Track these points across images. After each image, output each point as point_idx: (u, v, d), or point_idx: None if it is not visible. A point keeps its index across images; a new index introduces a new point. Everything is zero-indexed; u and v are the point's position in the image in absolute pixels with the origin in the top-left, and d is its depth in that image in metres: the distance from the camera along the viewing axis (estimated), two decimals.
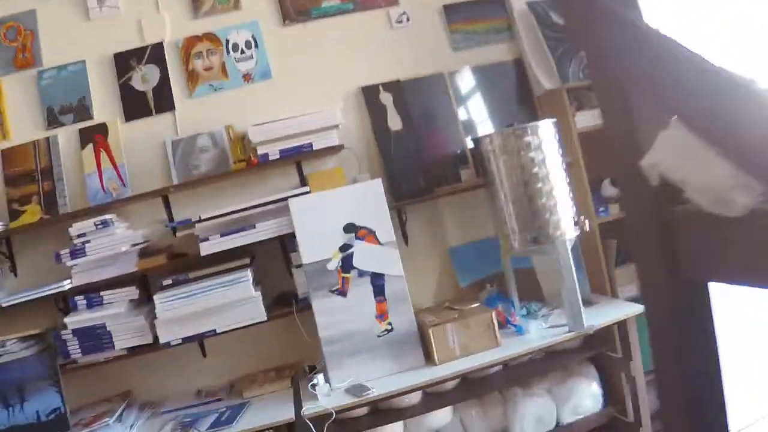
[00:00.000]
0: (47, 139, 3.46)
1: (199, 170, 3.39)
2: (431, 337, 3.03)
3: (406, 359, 3.06)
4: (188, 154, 3.41)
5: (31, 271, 3.43)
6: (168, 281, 3.09)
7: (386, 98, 3.60)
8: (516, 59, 3.83)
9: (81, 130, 3.46)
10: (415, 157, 3.55)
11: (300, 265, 3.10)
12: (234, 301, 3.02)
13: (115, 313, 3.04)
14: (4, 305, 3.17)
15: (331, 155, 3.47)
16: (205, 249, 3.06)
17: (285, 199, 3.10)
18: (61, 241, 3.19)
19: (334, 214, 3.08)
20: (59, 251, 3.13)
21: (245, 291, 3.02)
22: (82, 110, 3.48)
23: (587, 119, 3.56)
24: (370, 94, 3.60)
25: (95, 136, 3.44)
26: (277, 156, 3.24)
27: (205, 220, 3.08)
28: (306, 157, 3.36)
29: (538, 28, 3.78)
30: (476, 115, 3.73)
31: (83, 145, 3.44)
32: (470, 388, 3.25)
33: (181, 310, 2.99)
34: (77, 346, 3.07)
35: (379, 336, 3.05)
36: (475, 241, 3.65)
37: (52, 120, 3.48)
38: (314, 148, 3.26)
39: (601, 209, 3.55)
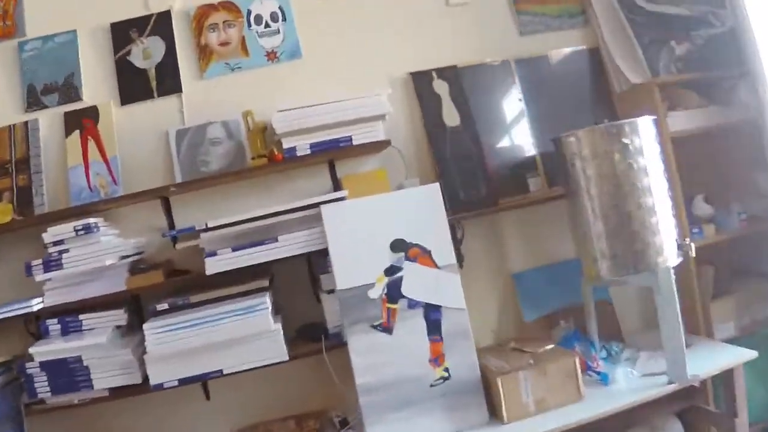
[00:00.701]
0: (26, 123, 2.83)
1: (208, 167, 2.73)
2: (499, 388, 2.35)
3: (466, 416, 2.38)
4: (196, 147, 2.75)
5: (4, 283, 2.77)
6: (163, 305, 2.42)
7: (441, 87, 2.94)
8: (591, 48, 3.17)
9: (67, 114, 2.82)
10: (475, 159, 2.88)
11: (332, 291, 2.43)
12: (247, 336, 2.35)
13: (95, 344, 2.37)
14: None
15: (372, 154, 2.81)
16: (212, 266, 2.39)
17: (316, 205, 2.44)
18: (38, 249, 2.54)
19: (379, 227, 2.42)
20: (30, 262, 2.48)
21: (262, 323, 2.35)
22: (70, 90, 2.84)
23: (681, 121, 2.91)
24: (421, 81, 2.94)
25: (83, 122, 2.80)
26: (308, 151, 2.57)
27: (212, 228, 2.41)
28: (341, 155, 2.71)
29: (621, 12, 3.11)
30: (545, 112, 3.06)
31: (68, 132, 2.80)
32: None
33: (178, 344, 2.32)
34: (45, 383, 2.41)
35: (432, 385, 2.37)
36: (544, 265, 2.98)
37: (33, 101, 2.85)
38: (354, 143, 2.60)
39: (695, 230, 2.88)
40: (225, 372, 2.37)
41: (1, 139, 2.83)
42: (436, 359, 2.38)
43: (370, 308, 2.36)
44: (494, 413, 2.41)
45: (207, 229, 2.41)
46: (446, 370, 2.38)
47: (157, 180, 2.70)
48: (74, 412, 2.53)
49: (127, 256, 2.52)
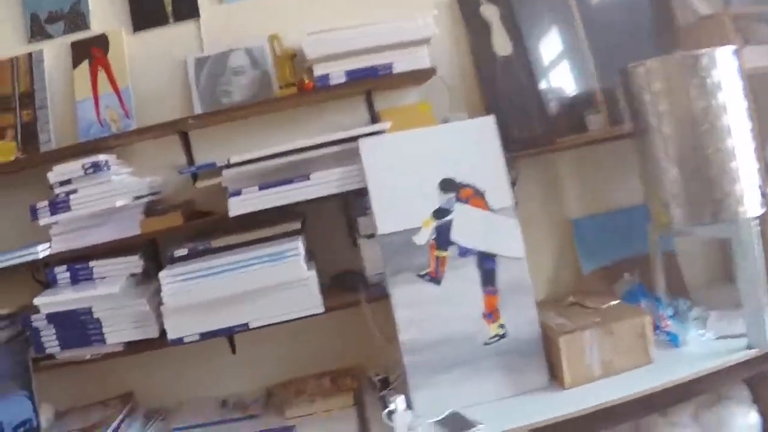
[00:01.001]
0: (29, 55, 2.54)
1: (231, 98, 2.43)
2: (562, 348, 2.06)
3: (524, 379, 2.10)
4: (217, 76, 2.45)
5: (7, 229, 2.54)
6: (182, 251, 2.15)
7: (490, 11, 2.59)
8: None
9: (74, 44, 2.53)
10: (528, 93, 2.56)
11: (372, 236, 2.15)
12: (277, 285, 2.07)
13: (107, 294, 2.11)
14: None
15: (415, 85, 2.49)
16: (236, 207, 2.11)
17: (354, 139, 2.14)
18: (45, 191, 2.28)
19: (426, 164, 2.12)
20: (36, 204, 2.22)
21: (294, 270, 2.07)
22: (76, 17, 2.55)
23: (757, 57, 2.55)
24: (468, 4, 2.60)
25: (92, 51, 2.51)
26: (343, 79, 2.26)
27: (236, 165, 2.13)
28: (380, 85, 2.39)
29: None
30: (605, 43, 2.71)
31: (76, 63, 2.52)
32: (598, 416, 2.27)
33: (198, 295, 2.05)
34: (54, 337, 2.17)
35: (486, 344, 2.09)
36: (604, 212, 2.66)
37: (37, 30, 2.56)
38: (395, 71, 2.28)
39: None
40: (252, 326, 2.10)
41: (3, 72, 2.56)
42: (491, 314, 2.09)
43: (415, 256, 2.07)
44: (554, 376, 2.13)
45: (230, 166, 2.12)
46: (502, 326, 2.09)
47: (173, 113, 2.40)
48: (86, 367, 2.28)
49: (142, 197, 2.25)
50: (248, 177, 2.15)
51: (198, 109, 2.41)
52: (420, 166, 2.11)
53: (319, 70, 2.26)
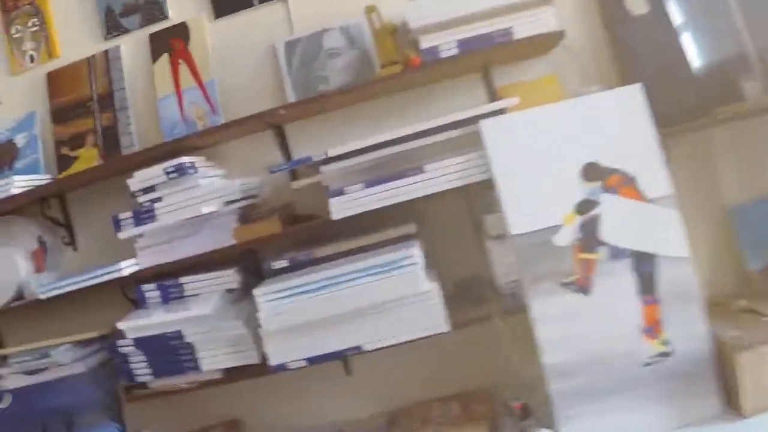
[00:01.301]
0: (105, 53, 2.34)
1: (327, 84, 2.14)
2: (739, 368, 1.66)
3: (693, 406, 1.71)
4: (310, 60, 2.16)
5: (95, 242, 2.36)
6: (281, 263, 1.88)
7: None
8: None
9: (152, 36, 2.31)
10: (672, 58, 2.14)
11: (502, 236, 1.81)
12: (392, 300, 1.76)
13: (198, 315, 1.86)
14: (42, 297, 2.08)
15: (537, 56, 2.13)
16: (339, 209, 1.82)
17: (474, 120, 1.80)
18: (131, 200, 2.07)
19: (562, 147, 1.75)
20: (119, 215, 2.00)
21: (412, 282, 1.75)
22: (153, 8, 2.33)
23: None
24: None
25: (171, 43, 2.28)
26: (454, 51, 1.92)
27: (335, 159, 1.83)
28: (498, 56, 2.04)
29: None
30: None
31: (155, 57, 2.29)
32: None
33: (301, 314, 1.77)
34: (144, 364, 1.94)
35: (647, 365, 1.71)
36: None
37: (113, 25, 2.36)
38: (515, 37, 1.93)
39: None
40: (365, 348, 1.80)
41: (80, 73, 2.37)
42: (651, 328, 1.71)
43: (557, 260, 1.71)
44: (730, 402, 1.72)
45: (329, 160, 1.83)
46: (665, 342, 1.71)
47: (264, 105, 2.11)
48: (182, 395, 2.06)
49: (234, 202, 1.98)
50: (351, 173, 1.85)
51: (292, 99, 2.12)
52: (556, 149, 1.75)
53: (426, 43, 1.93)
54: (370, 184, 1.80)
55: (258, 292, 1.76)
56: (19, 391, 2.18)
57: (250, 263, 2.09)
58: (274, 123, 2.08)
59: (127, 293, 2.18)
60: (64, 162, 2.35)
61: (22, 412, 2.17)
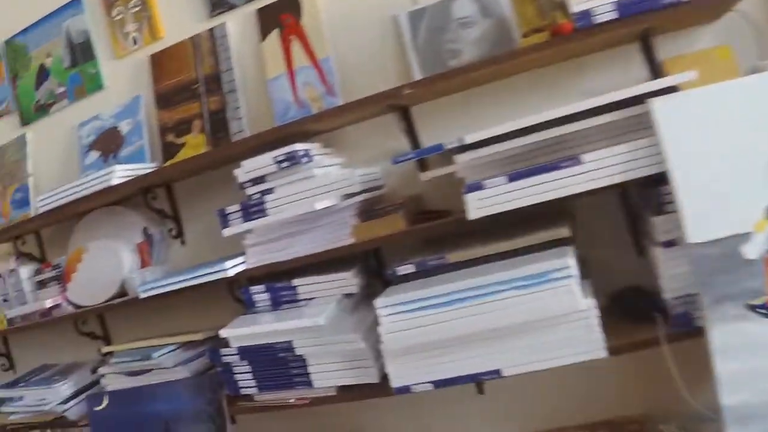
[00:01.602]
0: (211, 31, 2.15)
1: (459, 59, 1.84)
2: None
3: None
4: (438, 32, 1.87)
5: (204, 235, 2.20)
6: (406, 268, 1.61)
7: None
8: None
9: (260, 12, 2.09)
10: None
11: (671, 243, 1.46)
12: (541, 319, 1.45)
13: (309, 327, 1.62)
14: (142, 296, 1.92)
15: (705, 22, 1.75)
16: (477, 207, 1.51)
17: (637, 100, 1.46)
18: (240, 192, 1.87)
19: (752, 136, 1.38)
20: (226, 208, 1.80)
21: (565, 299, 1.42)
22: None
23: None
24: None
25: (282, 18, 2.04)
26: (612, 14, 1.57)
27: (472, 146, 1.54)
28: (661, 22, 1.67)
29: None
30: None
31: (264, 35, 2.07)
32: None
33: (431, 331, 1.48)
34: (249, 376, 1.73)
35: None
36: None
37: (218, 1, 2.16)
38: None
39: None
40: (505, 373, 1.49)
41: (184, 54, 2.19)
42: None
43: (744, 275, 1.34)
44: None
45: (464, 148, 1.54)
46: None
47: (388, 84, 1.84)
48: (292, 410, 1.84)
49: (354, 195, 1.73)
50: (491, 163, 1.56)
51: (418, 77, 1.84)
52: (744, 138, 1.38)
53: (578, 5, 1.60)
54: (515, 177, 1.49)
55: (380, 303, 1.49)
56: (119, 393, 2.04)
57: (371, 264, 1.83)
58: (398, 104, 1.81)
59: (236, 294, 2.00)
60: (169, 149, 2.19)
61: (120, 415, 2.02)
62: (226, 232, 1.77)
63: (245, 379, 1.72)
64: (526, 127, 1.52)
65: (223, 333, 1.69)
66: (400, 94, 1.67)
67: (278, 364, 1.67)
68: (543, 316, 1.42)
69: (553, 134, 1.51)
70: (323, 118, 1.78)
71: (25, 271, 2.49)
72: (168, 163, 2.14)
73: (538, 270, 1.43)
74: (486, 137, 1.53)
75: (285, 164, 1.72)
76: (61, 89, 2.47)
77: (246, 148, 1.85)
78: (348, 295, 1.74)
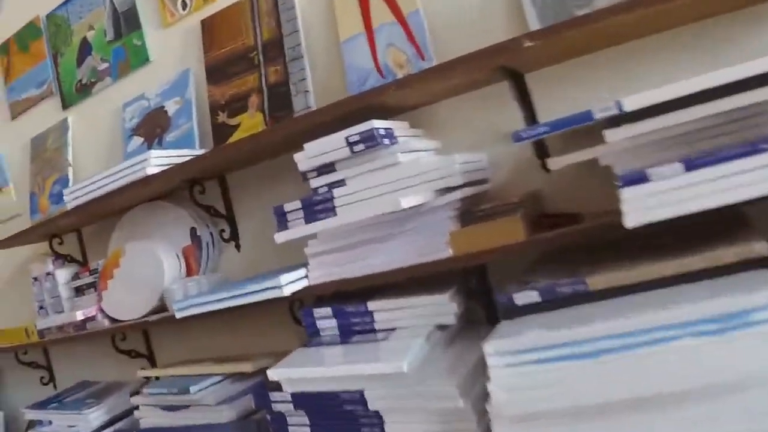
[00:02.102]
0: None
1: (591, 5, 1.34)
2: None
3: None
4: None
5: (263, 239, 1.79)
6: (528, 294, 1.12)
7: None
8: None
9: None
10: None
11: None
12: (735, 381, 0.93)
13: (390, 372, 1.16)
14: (179, 315, 1.52)
15: None
16: (641, 208, 1.00)
17: None
18: (304, 186, 1.44)
19: None
20: (283, 206, 1.37)
21: None
22: None
23: None
24: None
25: None
26: None
27: (632, 117, 1.04)
28: None
29: None
30: None
31: None
32: None
33: (568, 393, 0.98)
34: (308, 430, 1.29)
35: None
36: None
37: None
38: None
39: None
40: None
41: (240, 17, 1.80)
42: None
43: None
44: None
45: (622, 118, 1.05)
46: None
47: (494, 39, 1.36)
48: None
49: (452, 189, 1.27)
50: (657, 144, 1.06)
51: (535, 24, 1.36)
52: None
53: None
54: (695, 163, 0.99)
55: (491, 348, 1.01)
56: None
57: (474, 285, 1.36)
58: (511, 68, 1.33)
59: (296, 313, 1.58)
60: (221, 132, 1.79)
61: None
62: (280, 237, 1.34)
63: None
64: (709, 89, 1.02)
65: (273, 374, 1.25)
66: (518, 46, 1.19)
67: (344, 420, 1.21)
68: (739, 377, 0.92)
69: (749, 100, 1.01)
70: (411, 84, 1.30)
71: (63, 274, 2.16)
72: (213, 149, 1.74)
73: (734, 307, 0.92)
74: (657, 101, 1.03)
75: (360, 147, 1.27)
76: (104, 65, 2.12)
77: (311, 126, 1.42)
78: (441, 327, 1.27)
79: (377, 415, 1.19)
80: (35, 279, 2.21)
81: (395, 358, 1.15)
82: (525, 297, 1.10)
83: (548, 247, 1.23)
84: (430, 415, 1.15)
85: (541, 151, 1.34)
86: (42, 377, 2.46)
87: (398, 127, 1.35)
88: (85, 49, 2.18)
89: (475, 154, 1.36)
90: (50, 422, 2.04)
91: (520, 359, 1.01)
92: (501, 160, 1.42)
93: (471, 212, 1.25)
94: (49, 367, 2.48)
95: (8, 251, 2.42)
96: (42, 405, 2.12)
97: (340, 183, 1.33)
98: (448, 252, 1.22)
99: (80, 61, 2.19)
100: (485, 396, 1.05)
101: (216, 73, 1.81)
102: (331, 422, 1.23)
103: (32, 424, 2.14)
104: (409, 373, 1.14)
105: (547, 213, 1.31)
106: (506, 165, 1.42)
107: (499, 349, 1.02)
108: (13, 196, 2.49)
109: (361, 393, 1.18)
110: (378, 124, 1.29)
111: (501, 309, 1.13)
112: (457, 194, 1.24)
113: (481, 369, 1.11)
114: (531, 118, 1.36)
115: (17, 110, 2.43)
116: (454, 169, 1.23)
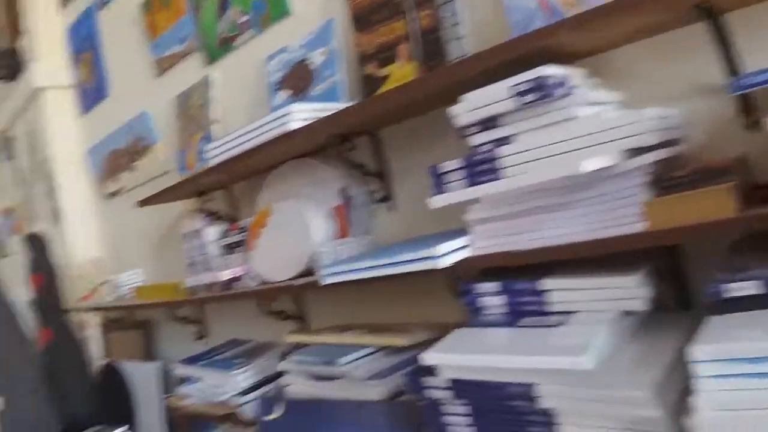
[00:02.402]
0: None
1: None
2: None
3: None
4: None
5: (420, 200, 1.63)
6: (743, 285, 0.89)
7: None
8: None
9: None
10: None
11: None
12: None
13: (568, 368, 0.99)
14: (323, 282, 1.43)
15: None
16: None
17: None
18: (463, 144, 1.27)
19: None
20: (440, 166, 1.21)
21: None
22: None
23: None
24: None
25: None
26: None
27: None
28: None
29: None
30: None
31: None
32: None
33: None
34: (466, 420, 1.14)
35: None
36: None
37: None
38: None
39: None
40: None
41: None
42: None
43: None
44: None
45: None
46: None
47: None
48: None
49: (643, 150, 1.04)
50: None
51: None
52: None
53: None
54: None
55: (701, 352, 0.81)
56: (295, 405, 1.59)
57: (667, 266, 1.14)
58: (707, 6, 1.07)
59: (455, 287, 1.42)
60: (370, 84, 1.65)
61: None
62: (436, 201, 1.18)
63: (458, 425, 1.14)
64: None
65: (427, 358, 1.12)
66: None
67: (509, 415, 1.06)
68: None
69: None
70: (591, 22, 1.08)
71: (211, 232, 2.13)
72: (357, 103, 1.60)
73: None
74: None
75: (529, 98, 1.08)
76: (244, 18, 2.05)
77: (469, 75, 1.23)
78: (629, 314, 1.07)
79: (548, 414, 1.02)
80: (185, 236, 2.21)
81: (575, 351, 0.97)
82: (740, 288, 0.88)
83: (762, 226, 0.98)
84: (613, 421, 0.96)
85: (747, 107, 1.08)
86: (195, 332, 2.50)
87: (573, 74, 1.14)
88: (225, 1, 2.11)
89: (669, 109, 1.12)
90: (199, 380, 2.05)
91: (741, 370, 0.80)
92: (694, 117, 1.17)
93: (664, 179, 1.02)
94: (203, 322, 2.51)
95: (163, 208, 2.44)
96: (192, 360, 2.14)
97: (506, 140, 1.15)
98: (641, 226, 1.01)
99: (220, 14, 2.13)
100: (681, 404, 0.85)
101: (362, 19, 1.66)
102: (494, 416, 1.08)
103: (182, 380, 2.17)
104: (590, 375, 0.96)
105: (758, 183, 1.05)
106: (701, 123, 1.16)
107: (712, 354, 0.81)
108: (162, 153, 2.51)
109: (530, 388, 1.01)
110: (550, 71, 1.09)
111: (706, 300, 0.92)
112: (650, 156, 1.02)
113: (677, 370, 0.91)
114: (731, 67, 1.10)
115: (163, 67, 2.43)
116: (645, 126, 1.01)
